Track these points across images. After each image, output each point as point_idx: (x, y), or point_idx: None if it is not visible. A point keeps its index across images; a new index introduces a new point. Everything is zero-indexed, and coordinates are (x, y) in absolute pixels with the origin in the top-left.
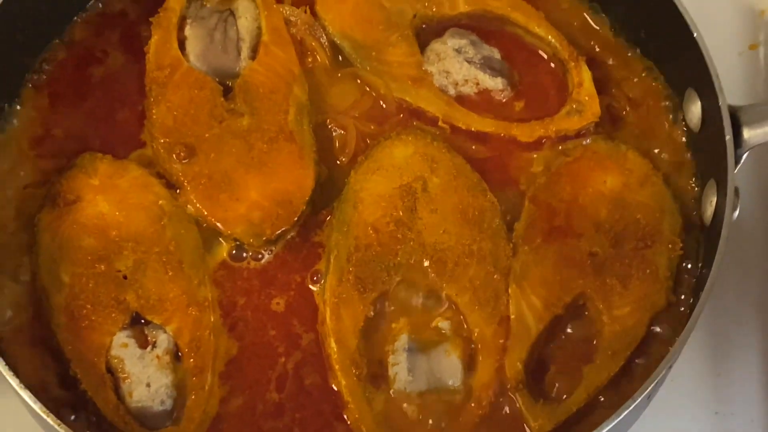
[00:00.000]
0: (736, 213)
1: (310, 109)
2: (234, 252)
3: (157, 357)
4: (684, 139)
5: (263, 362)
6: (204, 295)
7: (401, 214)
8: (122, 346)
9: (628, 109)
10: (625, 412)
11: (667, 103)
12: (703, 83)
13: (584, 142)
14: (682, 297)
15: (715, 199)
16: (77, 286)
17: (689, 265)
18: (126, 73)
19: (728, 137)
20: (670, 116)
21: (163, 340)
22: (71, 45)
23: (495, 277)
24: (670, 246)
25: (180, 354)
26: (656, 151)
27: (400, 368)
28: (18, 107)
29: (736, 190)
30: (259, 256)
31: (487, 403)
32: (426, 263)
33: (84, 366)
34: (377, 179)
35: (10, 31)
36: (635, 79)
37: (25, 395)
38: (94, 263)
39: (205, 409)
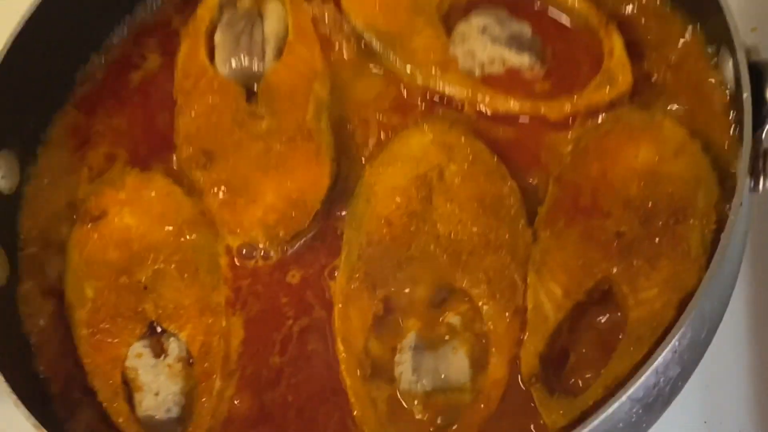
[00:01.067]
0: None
1: (329, 105)
2: (244, 251)
3: (169, 366)
4: (727, 100)
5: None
6: (218, 300)
7: (416, 205)
8: (137, 357)
9: (668, 73)
10: None
11: (710, 62)
12: (728, 38)
13: (619, 112)
14: None
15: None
16: (100, 300)
17: None
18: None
19: (745, 95)
20: (712, 79)
21: (174, 348)
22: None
23: (511, 266)
24: (704, 220)
25: (191, 361)
26: (697, 115)
27: (404, 368)
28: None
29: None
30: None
31: (496, 401)
32: (440, 254)
33: (101, 378)
34: (392, 171)
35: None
36: (674, 41)
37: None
38: (118, 276)
39: (214, 414)
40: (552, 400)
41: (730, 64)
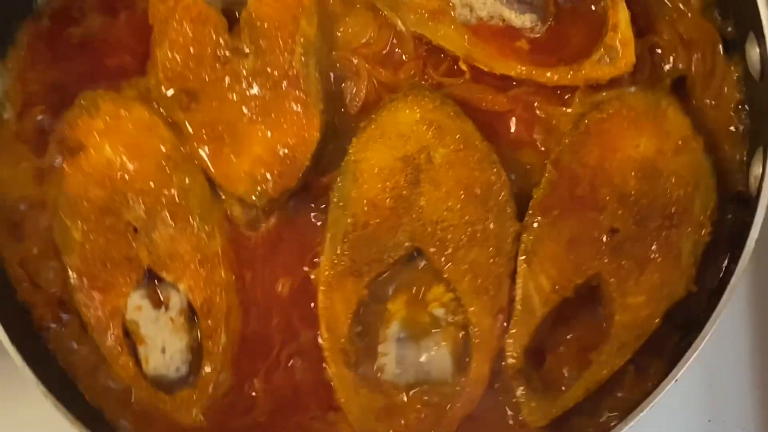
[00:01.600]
0: None
1: (318, 48)
2: None
3: (171, 319)
4: (740, 94)
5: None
6: (214, 249)
7: (403, 188)
8: (137, 309)
9: (679, 50)
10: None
11: (726, 48)
12: (759, 27)
13: (628, 90)
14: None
15: (760, 170)
16: (88, 244)
17: (719, 256)
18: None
19: None
20: (729, 65)
21: (176, 301)
22: None
23: (498, 262)
24: (698, 229)
25: (195, 317)
26: (708, 101)
27: (388, 359)
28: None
29: None
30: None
31: (477, 397)
32: (426, 244)
33: (101, 332)
34: (379, 148)
35: None
36: (691, 15)
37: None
38: (103, 217)
39: (221, 371)
40: (533, 398)
41: (757, 52)
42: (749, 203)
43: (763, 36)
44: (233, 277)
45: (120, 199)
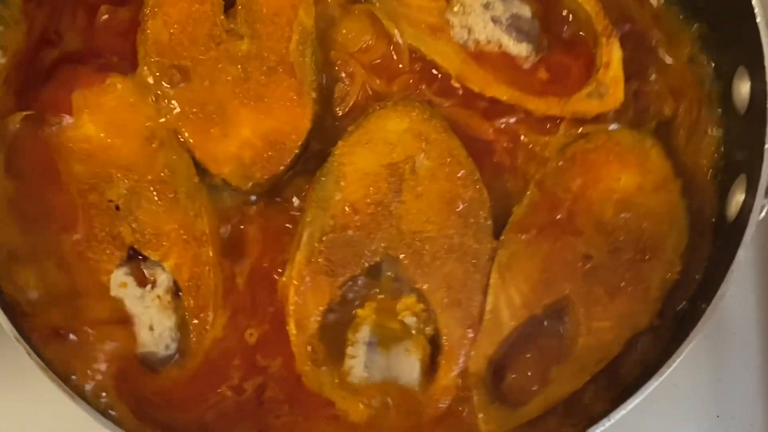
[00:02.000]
0: (763, 213)
1: (314, 38)
2: None
3: (158, 297)
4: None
5: None
6: (201, 228)
7: (384, 195)
8: (121, 286)
9: (666, 97)
10: None
11: (709, 102)
12: (756, 64)
13: (611, 127)
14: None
15: (743, 197)
16: (70, 220)
17: (682, 292)
18: None
19: None
20: (710, 118)
21: (163, 279)
22: None
23: (473, 276)
24: (668, 266)
25: (180, 293)
26: (690, 146)
27: (356, 362)
28: None
29: None
30: None
31: (443, 406)
32: (402, 253)
33: (93, 302)
34: (365, 153)
35: None
36: (680, 66)
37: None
38: (86, 193)
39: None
40: (492, 408)
41: (747, 86)
42: (725, 233)
43: (760, 71)
44: (220, 256)
45: (103, 177)
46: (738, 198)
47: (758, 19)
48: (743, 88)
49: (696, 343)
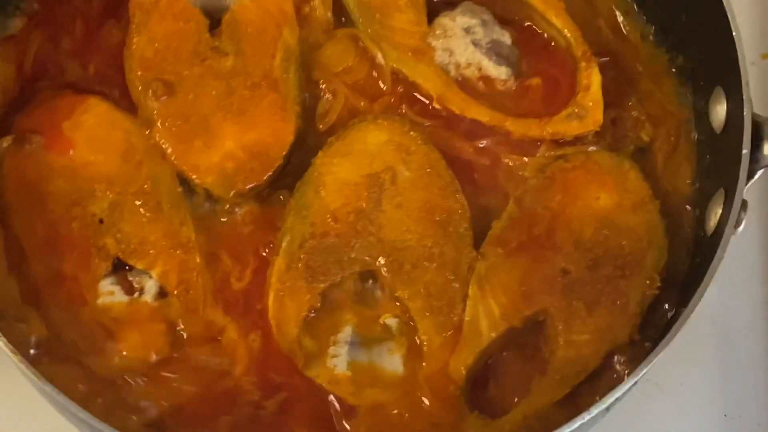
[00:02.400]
0: (741, 228)
1: (298, 56)
2: None
3: (147, 304)
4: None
5: None
6: (187, 235)
7: (365, 204)
8: (108, 295)
9: (645, 125)
10: None
11: (688, 126)
12: (732, 86)
13: (589, 149)
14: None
15: (720, 211)
16: (53, 235)
17: (666, 306)
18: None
19: (745, 151)
20: (688, 141)
21: (150, 285)
22: None
23: (453, 285)
24: (647, 282)
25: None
26: (667, 170)
27: (339, 361)
28: None
29: (744, 204)
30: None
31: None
32: (382, 261)
33: (73, 324)
34: (345, 164)
35: None
36: (660, 94)
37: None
38: (68, 209)
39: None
40: (470, 418)
41: (724, 107)
42: (703, 246)
43: (737, 92)
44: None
45: (86, 191)
46: (716, 211)
47: (734, 34)
48: (720, 108)
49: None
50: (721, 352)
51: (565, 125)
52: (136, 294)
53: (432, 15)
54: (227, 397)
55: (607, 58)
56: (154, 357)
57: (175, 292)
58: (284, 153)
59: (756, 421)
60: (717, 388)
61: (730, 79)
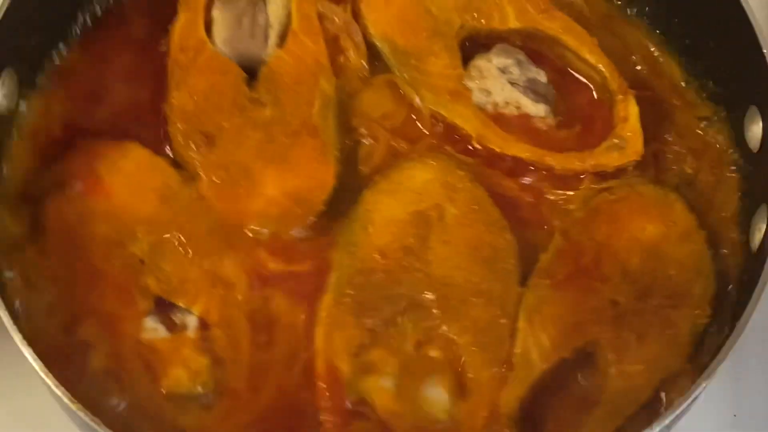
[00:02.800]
0: None
1: (336, 104)
2: None
3: (189, 338)
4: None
5: None
6: (228, 272)
7: (412, 241)
8: (152, 331)
9: (687, 158)
10: None
11: (728, 153)
12: (767, 103)
13: (631, 181)
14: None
15: (764, 227)
16: (95, 276)
17: (714, 329)
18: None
19: None
20: (729, 167)
21: (192, 320)
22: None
23: (501, 321)
24: (697, 312)
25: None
26: (708, 206)
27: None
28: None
29: None
30: None
31: None
32: (430, 297)
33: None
34: (392, 202)
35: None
36: (698, 126)
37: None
38: (110, 250)
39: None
40: None
41: (760, 126)
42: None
43: None
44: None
45: (126, 233)
46: (760, 227)
47: (765, 51)
48: (755, 128)
49: None
50: (731, 351)
51: (606, 157)
52: (179, 330)
53: (466, 59)
54: None
55: (644, 92)
56: (200, 389)
57: (217, 327)
58: (325, 197)
59: (766, 420)
60: (726, 388)
61: (764, 97)
